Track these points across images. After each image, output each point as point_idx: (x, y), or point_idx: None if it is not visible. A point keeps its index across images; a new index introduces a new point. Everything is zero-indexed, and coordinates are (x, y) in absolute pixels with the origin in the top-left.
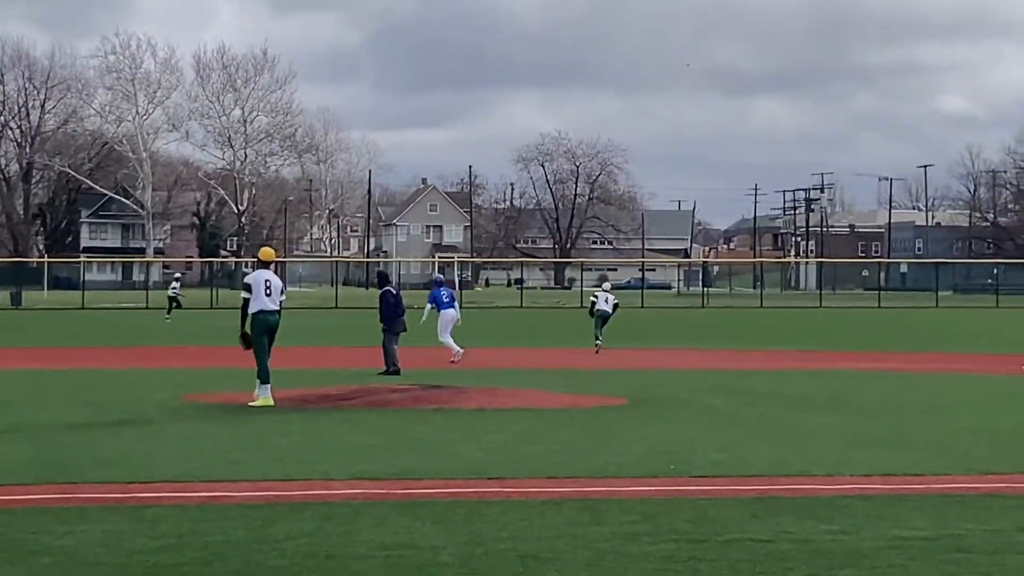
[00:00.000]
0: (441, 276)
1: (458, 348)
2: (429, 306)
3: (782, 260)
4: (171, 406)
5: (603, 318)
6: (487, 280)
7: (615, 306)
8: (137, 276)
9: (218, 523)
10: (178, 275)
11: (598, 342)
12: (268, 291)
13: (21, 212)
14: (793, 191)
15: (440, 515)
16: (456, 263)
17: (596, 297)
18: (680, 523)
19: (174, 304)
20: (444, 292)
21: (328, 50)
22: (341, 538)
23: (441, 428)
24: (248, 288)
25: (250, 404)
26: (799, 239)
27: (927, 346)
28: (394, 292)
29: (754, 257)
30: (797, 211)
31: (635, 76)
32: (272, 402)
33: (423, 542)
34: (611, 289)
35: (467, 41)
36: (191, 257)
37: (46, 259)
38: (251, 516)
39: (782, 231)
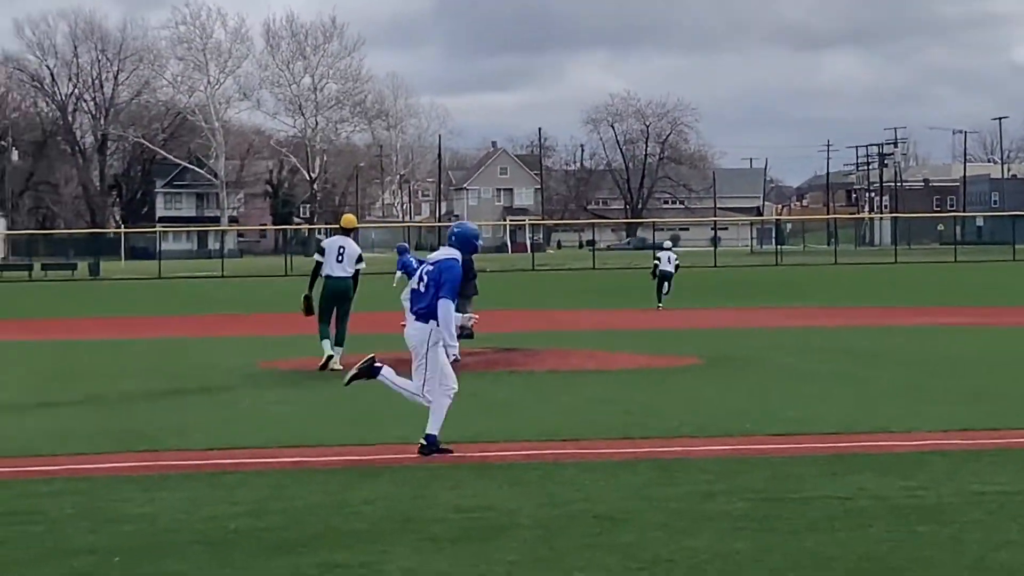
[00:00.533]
0: (406, 244)
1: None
2: (399, 273)
3: (856, 216)
4: (247, 373)
5: (666, 278)
6: (559, 242)
7: (677, 266)
8: (212, 245)
9: (296, 488)
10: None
11: (660, 304)
12: (340, 257)
13: (97, 183)
14: (866, 146)
15: (515, 477)
16: (527, 226)
17: (659, 258)
18: (756, 482)
19: None
20: (413, 260)
21: (396, 15)
22: (418, 501)
23: (515, 390)
24: (322, 252)
25: (332, 368)
26: (873, 194)
27: (1004, 300)
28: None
29: (827, 214)
30: (870, 166)
31: (703, 33)
32: (329, 351)
33: (499, 504)
34: (672, 248)
35: (534, 3)
36: (265, 225)
37: (123, 229)
38: (329, 481)
39: (855, 187)
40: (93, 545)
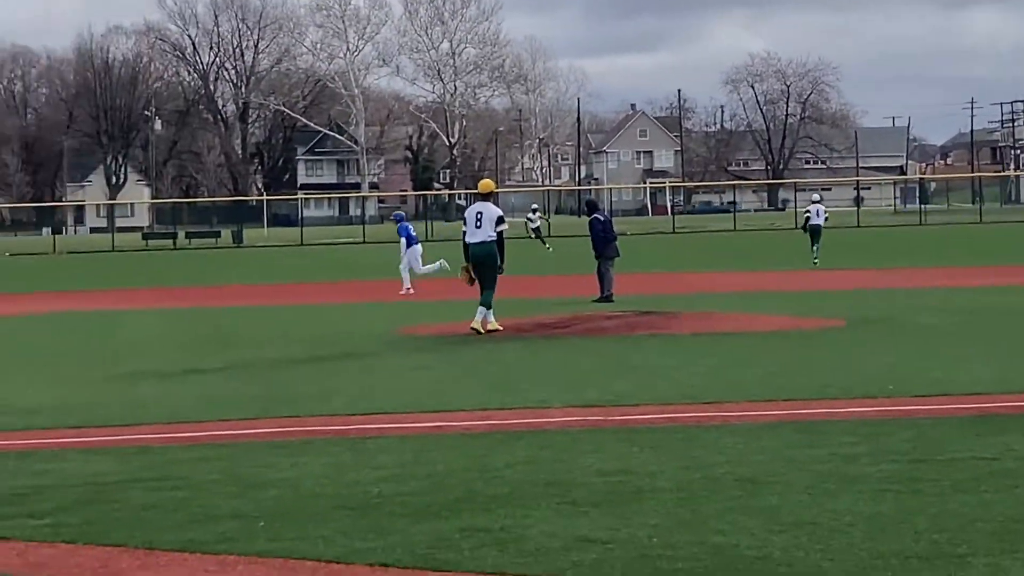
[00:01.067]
0: (403, 212)
1: (429, 269)
2: (404, 241)
3: (1001, 174)
4: (389, 338)
5: (816, 232)
6: (697, 203)
7: (826, 218)
8: (353, 211)
9: (438, 452)
10: (535, 205)
11: (816, 260)
12: (479, 223)
13: (239, 151)
14: (1011, 103)
15: (657, 440)
16: (667, 188)
17: (809, 212)
18: (900, 443)
19: (536, 235)
20: (412, 227)
21: None
22: (559, 465)
23: (656, 353)
24: (465, 222)
25: (471, 327)
26: (1018, 152)
27: None
28: (601, 219)
29: (972, 172)
30: (1016, 123)
31: None
32: (479, 327)
33: (640, 468)
34: (822, 201)
35: None
36: (405, 191)
37: (265, 197)
38: (470, 445)
39: (1001, 144)
40: (238, 510)
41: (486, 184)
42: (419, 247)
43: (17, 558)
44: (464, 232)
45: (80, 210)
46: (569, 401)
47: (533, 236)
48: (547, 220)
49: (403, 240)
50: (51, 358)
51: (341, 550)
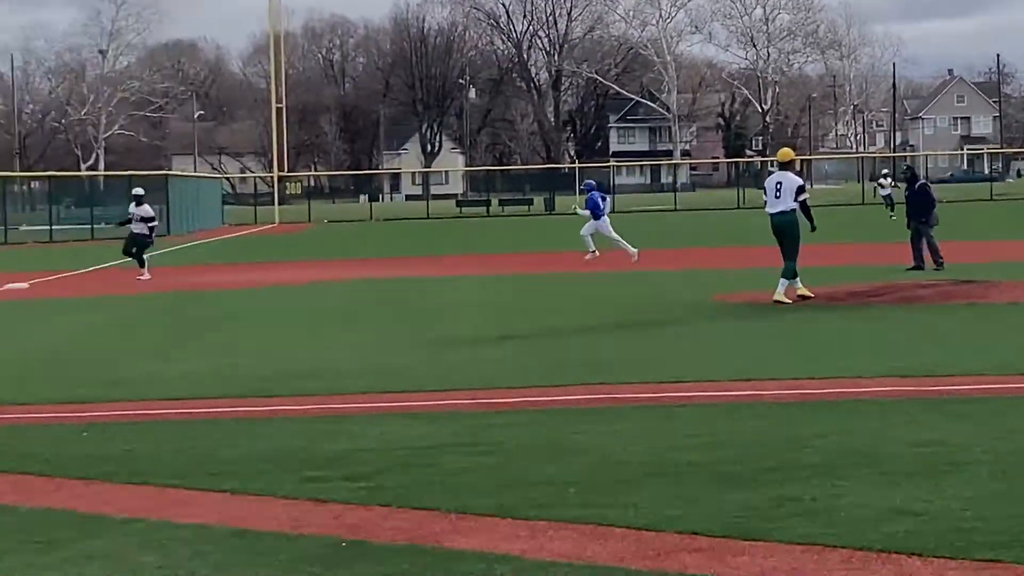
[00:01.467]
0: (593, 181)
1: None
2: (588, 212)
3: None
4: (701, 305)
5: None
6: (1019, 171)
7: None
8: (665, 179)
9: (748, 421)
10: (885, 171)
11: None
12: (778, 193)
13: (552, 119)
14: None
15: (971, 412)
16: (986, 155)
17: None
18: None
19: (887, 202)
20: (598, 196)
21: None
22: (871, 435)
23: (972, 323)
24: (765, 192)
25: (775, 299)
26: None
27: None
28: (929, 184)
29: None
30: None
31: None
32: (783, 298)
33: (954, 439)
34: None
35: None
36: (717, 158)
37: (577, 164)
38: (781, 414)
39: None
40: (549, 476)
41: (785, 153)
42: (606, 218)
43: (333, 520)
44: (765, 202)
45: (396, 178)
46: (882, 371)
47: (885, 204)
48: (896, 187)
49: (591, 211)
50: (367, 323)
51: (651, 517)
